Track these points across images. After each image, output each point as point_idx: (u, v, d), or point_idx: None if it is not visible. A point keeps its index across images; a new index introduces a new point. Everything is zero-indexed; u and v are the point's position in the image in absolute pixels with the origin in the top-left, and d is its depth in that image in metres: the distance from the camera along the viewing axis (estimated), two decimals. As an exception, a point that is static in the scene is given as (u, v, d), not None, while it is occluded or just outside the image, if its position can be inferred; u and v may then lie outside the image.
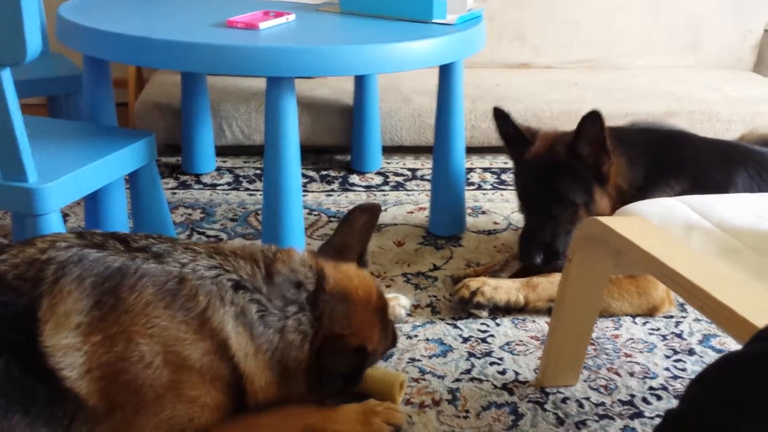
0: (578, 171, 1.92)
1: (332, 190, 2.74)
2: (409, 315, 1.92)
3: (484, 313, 1.91)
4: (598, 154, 1.90)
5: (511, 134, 2.07)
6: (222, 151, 2.97)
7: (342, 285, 1.47)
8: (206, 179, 2.80)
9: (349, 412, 1.49)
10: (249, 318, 1.36)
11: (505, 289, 1.89)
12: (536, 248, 1.93)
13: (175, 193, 2.66)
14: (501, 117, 2.07)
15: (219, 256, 1.41)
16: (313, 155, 3.01)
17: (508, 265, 2.03)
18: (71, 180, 1.69)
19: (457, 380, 1.68)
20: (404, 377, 1.62)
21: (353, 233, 1.57)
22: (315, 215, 2.52)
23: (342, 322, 1.43)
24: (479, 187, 2.82)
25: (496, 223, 2.50)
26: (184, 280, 1.33)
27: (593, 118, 1.85)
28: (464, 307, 1.91)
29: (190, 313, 1.32)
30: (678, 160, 1.98)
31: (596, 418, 1.58)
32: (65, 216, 2.37)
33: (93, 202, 2.07)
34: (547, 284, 1.89)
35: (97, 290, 1.28)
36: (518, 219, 2.51)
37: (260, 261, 1.43)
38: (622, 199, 1.92)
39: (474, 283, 1.90)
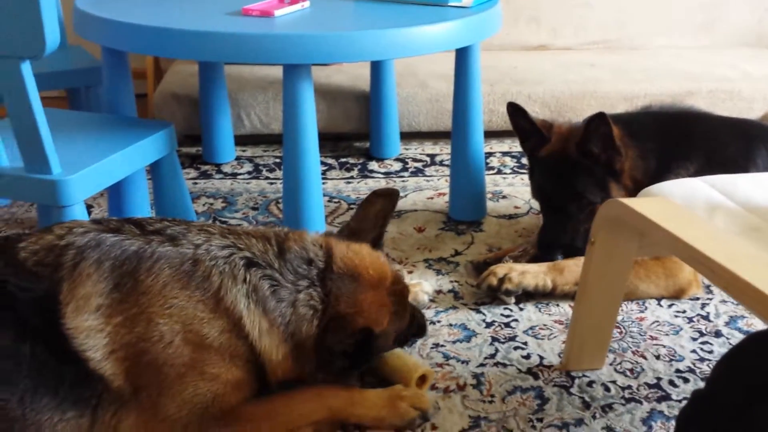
0: (592, 169, 1.92)
1: (351, 177, 2.74)
2: (432, 301, 1.92)
3: (513, 300, 1.90)
4: (609, 152, 1.89)
5: (527, 129, 2.04)
6: (241, 141, 2.98)
7: (351, 264, 1.48)
8: (226, 168, 2.81)
9: (375, 396, 1.50)
10: (261, 294, 1.39)
11: (533, 273, 1.88)
12: (555, 250, 1.95)
13: (196, 183, 2.67)
14: (516, 112, 2.04)
15: (232, 235, 1.44)
16: (332, 143, 3.01)
17: (527, 252, 2.02)
18: (94, 171, 1.71)
19: (482, 365, 1.68)
20: (428, 370, 1.60)
21: (369, 217, 1.59)
22: (335, 202, 2.52)
23: (348, 301, 1.44)
24: (499, 172, 2.80)
25: (516, 207, 2.49)
26: (198, 261, 1.36)
27: (599, 120, 1.84)
28: (493, 295, 1.90)
29: (206, 293, 1.35)
30: (689, 141, 1.96)
31: (623, 401, 1.57)
32: (89, 207, 2.39)
33: (116, 193, 2.09)
34: (574, 267, 1.87)
35: (116, 273, 1.31)
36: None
37: (272, 239, 1.46)
38: (639, 190, 1.91)
39: (500, 269, 1.89)
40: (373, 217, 1.60)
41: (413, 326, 1.68)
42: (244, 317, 1.37)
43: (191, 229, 1.43)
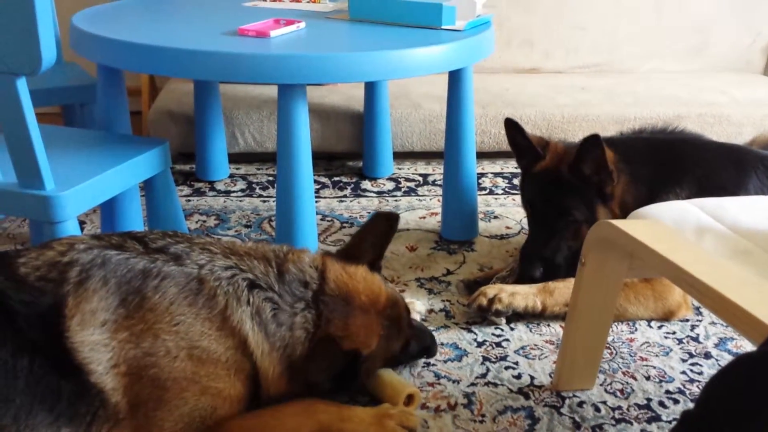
0: (582, 189, 1.93)
1: (344, 196, 2.75)
2: (424, 320, 1.92)
3: (503, 320, 1.91)
4: (601, 175, 1.91)
5: (522, 145, 2.07)
6: (235, 158, 2.99)
7: (344, 287, 1.50)
8: (220, 186, 2.82)
9: (363, 413, 1.50)
10: (264, 317, 1.42)
11: (523, 294, 1.89)
12: (536, 262, 1.96)
13: (189, 200, 2.68)
14: (512, 127, 2.06)
15: (234, 256, 1.46)
16: (325, 161, 3.03)
17: (515, 271, 2.03)
18: (88, 188, 1.71)
19: (473, 384, 1.69)
20: (416, 390, 1.61)
21: (368, 238, 1.61)
22: (328, 221, 2.53)
23: (338, 323, 1.47)
24: (491, 192, 2.82)
25: (508, 227, 2.51)
26: (203, 281, 1.38)
27: (593, 142, 1.86)
28: (483, 315, 1.91)
29: (213, 311, 1.38)
30: (681, 168, 1.97)
31: (613, 422, 1.58)
32: (82, 223, 2.39)
33: (109, 210, 2.09)
34: (564, 289, 1.89)
35: (122, 289, 1.32)
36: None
37: (272, 260, 1.49)
38: (626, 216, 1.92)
39: (490, 290, 1.90)
40: (373, 238, 1.62)
41: (413, 347, 1.68)
42: (249, 338, 1.40)
43: (194, 248, 1.44)
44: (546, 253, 1.96)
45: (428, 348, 1.73)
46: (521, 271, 1.99)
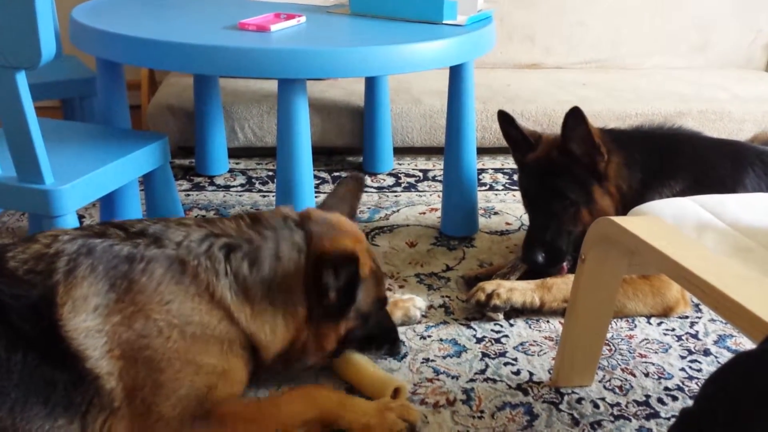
0: (575, 171, 1.94)
1: (344, 192, 2.74)
2: (423, 316, 1.92)
3: (501, 316, 1.91)
4: (590, 151, 1.91)
5: (516, 138, 2.08)
6: (234, 153, 2.98)
7: (328, 219, 1.57)
8: (219, 181, 2.82)
9: (365, 404, 1.51)
10: (241, 279, 1.43)
11: (521, 290, 1.89)
12: (538, 248, 1.96)
13: (188, 195, 2.67)
14: (506, 120, 2.09)
15: (208, 224, 1.50)
16: (325, 156, 3.02)
17: (517, 267, 2.03)
18: (87, 182, 1.71)
19: (472, 380, 1.69)
20: (402, 384, 1.61)
21: (340, 197, 1.69)
22: (327, 216, 2.52)
23: (331, 240, 1.50)
24: (491, 188, 2.81)
25: (508, 223, 2.50)
26: (184, 262, 1.40)
27: (575, 116, 1.87)
28: (481, 311, 1.91)
29: (200, 287, 1.40)
30: (676, 161, 1.97)
31: (611, 418, 1.58)
32: (81, 217, 2.38)
33: (108, 204, 2.08)
34: (562, 285, 1.89)
35: (110, 274, 1.34)
36: (530, 219, 2.51)
37: (245, 216, 1.54)
38: (623, 201, 1.93)
39: (489, 286, 1.90)
40: (343, 196, 1.69)
41: (383, 325, 1.67)
42: (232, 307, 1.42)
43: (170, 226, 1.47)
44: (546, 238, 1.95)
45: (394, 339, 1.70)
46: (523, 260, 1.99)
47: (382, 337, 1.68)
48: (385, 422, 1.48)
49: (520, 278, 2.00)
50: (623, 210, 1.91)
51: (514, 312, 1.91)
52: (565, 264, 1.98)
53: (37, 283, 1.30)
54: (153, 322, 1.34)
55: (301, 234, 1.50)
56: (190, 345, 1.36)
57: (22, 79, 1.52)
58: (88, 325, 1.29)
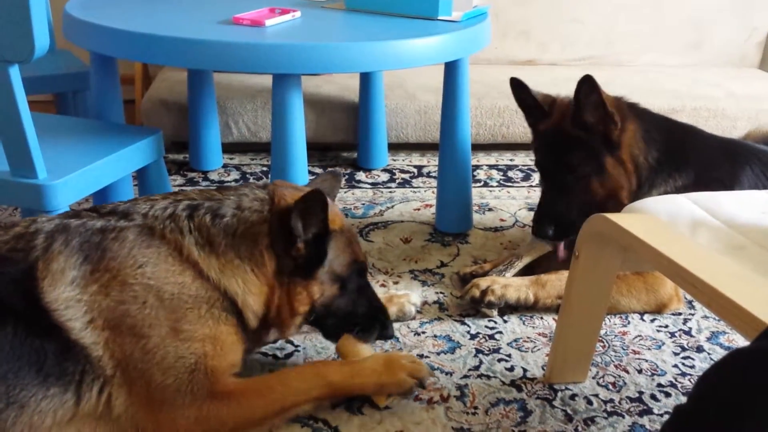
0: (587, 141, 1.91)
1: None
2: (418, 312, 1.92)
3: (495, 312, 1.91)
4: (604, 119, 1.88)
5: (528, 104, 2.06)
6: (229, 148, 2.97)
7: (294, 186, 1.61)
8: (213, 176, 2.81)
9: (373, 363, 1.53)
10: (205, 233, 1.46)
11: (515, 287, 1.89)
12: (548, 221, 1.95)
13: (182, 190, 2.66)
14: (518, 86, 2.05)
15: (172, 195, 1.55)
16: (320, 152, 3.02)
17: (513, 264, 2.03)
18: (80, 177, 1.70)
19: (466, 377, 1.69)
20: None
21: (316, 186, 1.67)
22: (321, 212, 2.52)
23: (298, 194, 1.50)
24: (485, 184, 2.82)
25: (502, 220, 2.50)
26: (152, 228, 1.44)
27: (588, 84, 1.85)
28: (475, 307, 1.91)
29: (169, 247, 1.43)
30: (686, 152, 1.96)
31: (605, 415, 1.58)
32: (73, 213, 2.37)
33: (101, 199, 2.07)
34: (556, 281, 1.89)
35: (84, 247, 1.38)
36: (525, 216, 2.51)
37: (212, 187, 1.59)
38: (638, 173, 1.91)
39: (483, 282, 1.90)
40: (320, 186, 1.65)
41: (378, 313, 1.64)
42: (200, 262, 1.43)
43: (138, 202, 1.52)
44: (557, 211, 1.94)
45: (385, 318, 1.66)
46: (534, 233, 1.98)
47: (370, 315, 1.63)
48: (396, 380, 1.52)
49: (517, 275, 2.00)
50: (636, 184, 1.91)
51: (508, 308, 1.91)
52: (561, 244, 1.98)
53: (19, 259, 1.35)
54: (129, 287, 1.36)
55: (264, 191, 1.54)
56: (169, 309, 1.38)
57: (15, 73, 1.51)
58: (67, 296, 1.32)
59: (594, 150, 1.91)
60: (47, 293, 1.32)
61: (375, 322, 1.64)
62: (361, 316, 1.61)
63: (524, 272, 2.01)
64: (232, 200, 1.52)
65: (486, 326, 1.88)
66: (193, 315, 1.40)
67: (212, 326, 1.41)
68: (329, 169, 1.77)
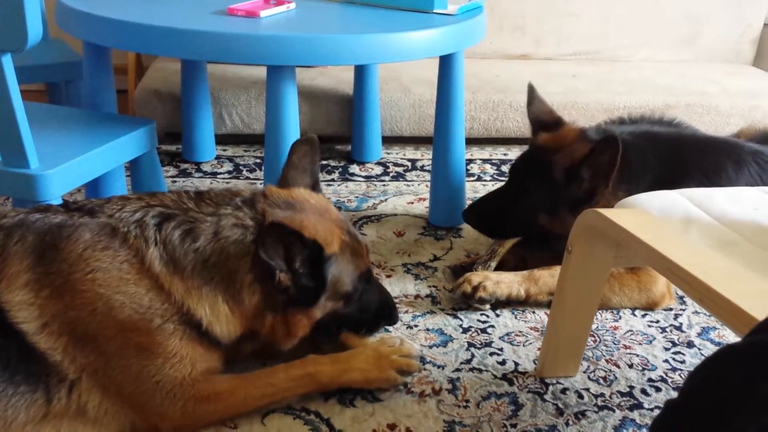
0: (561, 186, 1.88)
1: (332, 180, 2.74)
2: (410, 305, 1.92)
3: (487, 307, 1.91)
4: (597, 182, 1.83)
5: (536, 113, 2.07)
6: (222, 140, 2.97)
7: (287, 195, 1.46)
8: (206, 167, 2.80)
9: (364, 361, 1.53)
10: (170, 249, 1.36)
11: (507, 283, 1.89)
12: (480, 215, 2.05)
13: (175, 181, 2.66)
14: (531, 93, 2.10)
15: (147, 197, 1.44)
16: (313, 145, 3.01)
17: (496, 253, 2.03)
18: (73, 167, 1.69)
19: (457, 370, 1.69)
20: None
21: (297, 166, 1.56)
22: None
23: (286, 216, 1.40)
24: (479, 178, 2.82)
25: (495, 214, 2.50)
26: (115, 228, 1.36)
27: (611, 148, 1.76)
28: (467, 302, 1.91)
29: (129, 254, 1.34)
30: (682, 169, 1.88)
31: (595, 409, 1.59)
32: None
33: (94, 190, 2.07)
34: (549, 277, 1.89)
35: (39, 246, 1.32)
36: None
37: (190, 191, 1.47)
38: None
39: (475, 278, 1.91)
40: (301, 164, 1.56)
41: (374, 295, 1.61)
42: (159, 277, 1.35)
43: (111, 200, 1.44)
44: (492, 211, 2.03)
45: (390, 309, 1.65)
46: (462, 214, 2.10)
47: (377, 314, 1.61)
48: (385, 375, 1.53)
49: (499, 265, 2.01)
50: None
51: (500, 303, 1.92)
52: None
53: None
54: (80, 293, 1.30)
55: (249, 212, 1.40)
56: (119, 319, 1.30)
57: (7, 62, 1.50)
58: (19, 299, 1.28)
59: (558, 198, 1.89)
60: (3, 294, 1.28)
61: (381, 320, 1.65)
62: (367, 318, 1.60)
63: (518, 267, 2.01)
64: (209, 222, 1.38)
65: (478, 320, 1.88)
66: (146, 327, 1.32)
67: (168, 340, 1.34)
68: (304, 135, 1.61)
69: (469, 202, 2.51)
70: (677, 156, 1.92)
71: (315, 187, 1.58)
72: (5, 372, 1.26)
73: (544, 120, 2.05)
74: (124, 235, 1.36)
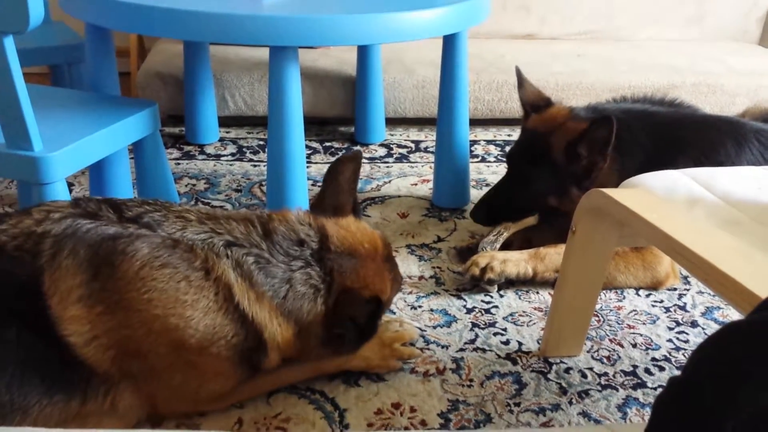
0: (564, 170, 1.88)
1: (335, 162, 2.73)
2: (414, 286, 1.93)
3: (495, 288, 1.92)
4: (595, 159, 1.84)
5: (528, 96, 2.08)
6: (225, 122, 2.96)
7: (347, 242, 1.47)
8: (210, 150, 2.80)
9: (367, 346, 1.56)
10: (246, 269, 1.35)
11: (514, 261, 1.90)
12: (487, 210, 2.05)
13: (179, 164, 2.66)
14: (518, 76, 2.11)
15: (210, 221, 1.40)
16: (317, 126, 3.00)
17: (501, 234, 2.04)
18: (76, 149, 1.69)
19: (461, 350, 1.70)
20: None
21: (343, 186, 1.55)
22: (319, 186, 2.51)
23: (353, 276, 1.44)
24: (483, 159, 2.81)
25: (499, 195, 2.50)
26: (177, 241, 1.32)
27: (606, 127, 1.78)
28: (476, 284, 1.92)
29: (191, 264, 1.30)
30: (677, 147, 1.89)
31: (599, 388, 1.59)
32: (70, 185, 2.36)
33: (97, 172, 2.07)
34: (555, 255, 1.89)
35: (94, 261, 1.26)
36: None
37: (255, 221, 1.43)
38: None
39: (482, 259, 1.91)
40: (345, 184, 1.56)
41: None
42: (234, 286, 1.33)
43: (169, 217, 1.37)
44: (499, 205, 2.03)
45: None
46: (471, 213, 2.10)
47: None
48: (386, 363, 1.59)
49: (503, 246, 2.02)
50: None
51: (505, 283, 1.92)
52: None
53: (25, 261, 1.25)
54: (134, 312, 1.27)
55: (318, 272, 1.41)
56: (174, 340, 1.29)
57: (10, 44, 1.49)
58: (72, 314, 1.24)
59: (564, 179, 1.89)
60: (54, 309, 1.24)
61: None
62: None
63: (522, 247, 2.01)
64: (282, 269, 1.38)
65: (482, 300, 1.89)
66: (201, 348, 1.32)
67: (221, 362, 1.35)
68: (350, 152, 1.60)
69: (473, 183, 2.52)
70: (671, 133, 1.92)
71: (356, 208, 1.58)
72: (43, 383, 1.24)
73: (535, 102, 2.05)
74: (188, 245, 1.32)
